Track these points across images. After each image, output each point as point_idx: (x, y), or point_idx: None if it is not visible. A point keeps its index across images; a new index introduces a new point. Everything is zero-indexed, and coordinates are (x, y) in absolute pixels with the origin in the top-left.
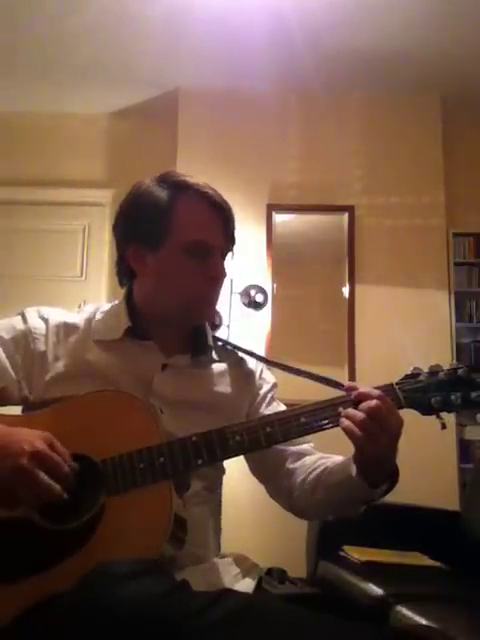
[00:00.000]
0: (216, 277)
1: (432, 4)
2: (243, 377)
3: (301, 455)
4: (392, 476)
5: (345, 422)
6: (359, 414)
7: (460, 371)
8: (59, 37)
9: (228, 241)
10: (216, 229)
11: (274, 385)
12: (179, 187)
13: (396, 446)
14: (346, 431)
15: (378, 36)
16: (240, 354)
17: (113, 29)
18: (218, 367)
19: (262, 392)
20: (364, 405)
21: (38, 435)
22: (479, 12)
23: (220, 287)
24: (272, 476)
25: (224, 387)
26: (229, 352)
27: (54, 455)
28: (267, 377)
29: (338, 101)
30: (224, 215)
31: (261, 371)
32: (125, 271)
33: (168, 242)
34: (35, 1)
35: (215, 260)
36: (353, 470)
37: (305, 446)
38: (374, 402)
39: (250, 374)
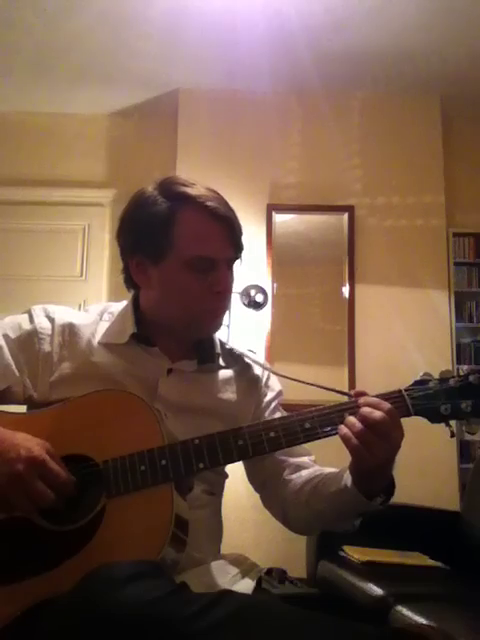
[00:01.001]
0: (222, 291)
1: (432, 4)
2: (248, 384)
3: (299, 467)
4: (388, 488)
5: (343, 430)
6: (358, 424)
7: (471, 378)
8: (59, 37)
9: (234, 251)
10: (220, 241)
11: (279, 393)
12: (180, 199)
13: (394, 458)
14: (343, 439)
15: (378, 36)
16: (247, 360)
17: (113, 29)
18: (224, 373)
19: (266, 400)
20: (367, 415)
21: (36, 441)
22: (479, 12)
23: (227, 299)
24: (268, 485)
25: (229, 394)
26: (236, 357)
27: (51, 461)
28: (273, 385)
29: (338, 101)
30: (228, 225)
31: (267, 378)
32: (130, 280)
33: (170, 256)
34: (35, 1)
35: (220, 273)
36: (348, 480)
37: (305, 459)
38: (378, 414)
39: (255, 381)
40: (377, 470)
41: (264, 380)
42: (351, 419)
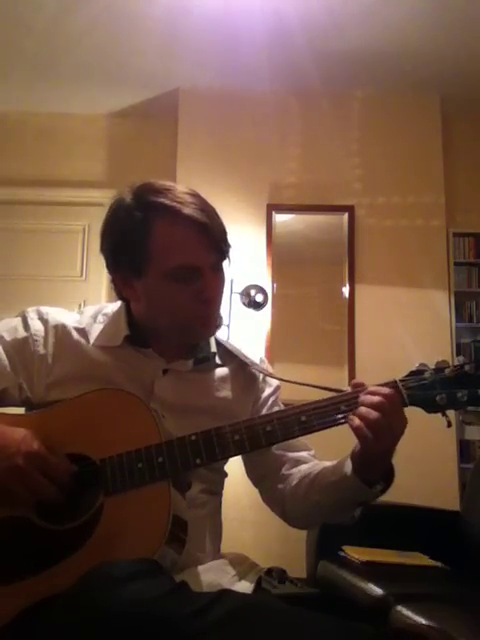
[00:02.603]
0: (209, 298)
1: (431, 4)
2: (245, 381)
3: (298, 462)
4: (387, 476)
5: (356, 422)
6: (373, 413)
7: (467, 367)
8: (59, 37)
9: (217, 254)
10: (200, 248)
11: (277, 388)
12: (153, 209)
13: (395, 446)
14: (356, 431)
15: (377, 36)
16: (243, 358)
17: (113, 29)
18: (220, 372)
19: (264, 396)
20: (376, 403)
21: (35, 435)
22: (478, 12)
23: (217, 305)
24: (267, 480)
25: (226, 392)
26: (232, 355)
27: (50, 455)
28: (270, 380)
29: (338, 101)
30: (206, 230)
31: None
32: (119, 292)
33: (151, 270)
34: (35, 1)
35: (205, 279)
36: (348, 469)
37: (304, 454)
38: (377, 399)
39: (253, 377)
40: (380, 457)
41: (261, 376)
42: (364, 410)
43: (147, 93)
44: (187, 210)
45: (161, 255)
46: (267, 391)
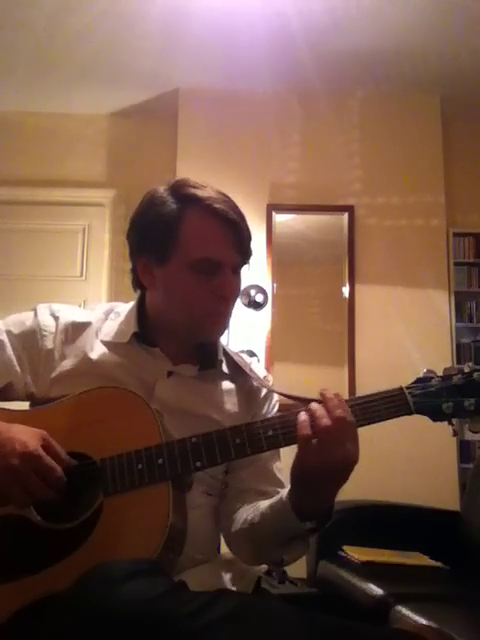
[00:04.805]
0: (226, 296)
1: (431, 4)
2: (248, 393)
3: (265, 494)
4: (323, 518)
5: (302, 417)
6: (320, 410)
7: (476, 375)
8: (59, 37)
9: (241, 256)
10: (226, 245)
11: (276, 402)
12: (188, 200)
13: (338, 485)
14: (299, 425)
15: (378, 36)
16: (247, 371)
17: (113, 29)
18: (225, 384)
19: (264, 411)
20: (337, 416)
21: (33, 434)
22: (478, 12)
23: (231, 305)
24: (231, 494)
25: (227, 405)
26: (238, 367)
27: (46, 456)
28: (271, 397)
29: (338, 101)
30: (235, 229)
31: (267, 390)
32: (137, 281)
33: (175, 258)
34: (35, 1)
35: (225, 277)
36: (285, 493)
37: (277, 489)
38: (339, 412)
39: (255, 390)
40: (318, 483)
41: (263, 393)
42: (315, 405)
43: (147, 93)
44: (220, 206)
45: (188, 244)
46: (265, 408)
